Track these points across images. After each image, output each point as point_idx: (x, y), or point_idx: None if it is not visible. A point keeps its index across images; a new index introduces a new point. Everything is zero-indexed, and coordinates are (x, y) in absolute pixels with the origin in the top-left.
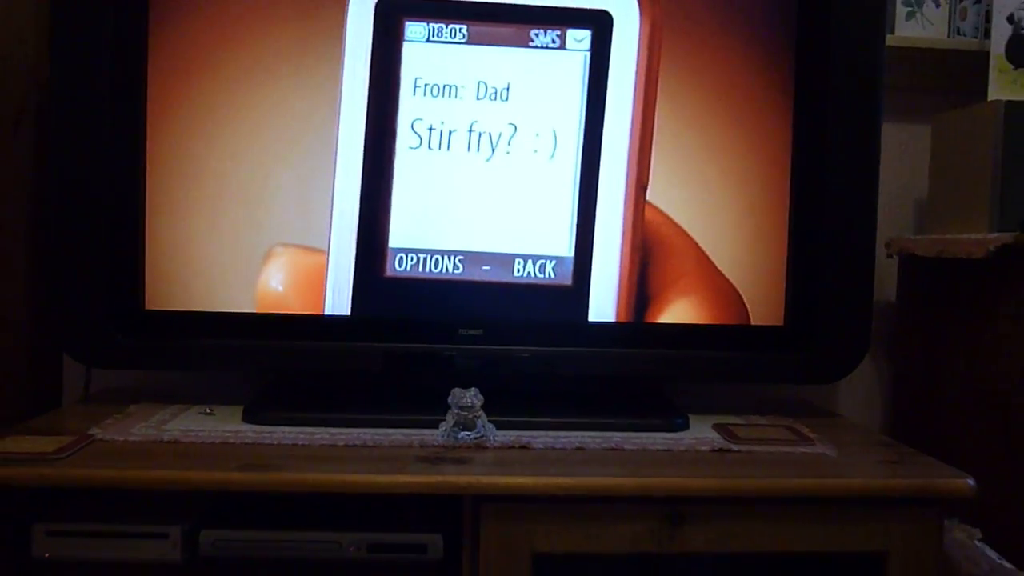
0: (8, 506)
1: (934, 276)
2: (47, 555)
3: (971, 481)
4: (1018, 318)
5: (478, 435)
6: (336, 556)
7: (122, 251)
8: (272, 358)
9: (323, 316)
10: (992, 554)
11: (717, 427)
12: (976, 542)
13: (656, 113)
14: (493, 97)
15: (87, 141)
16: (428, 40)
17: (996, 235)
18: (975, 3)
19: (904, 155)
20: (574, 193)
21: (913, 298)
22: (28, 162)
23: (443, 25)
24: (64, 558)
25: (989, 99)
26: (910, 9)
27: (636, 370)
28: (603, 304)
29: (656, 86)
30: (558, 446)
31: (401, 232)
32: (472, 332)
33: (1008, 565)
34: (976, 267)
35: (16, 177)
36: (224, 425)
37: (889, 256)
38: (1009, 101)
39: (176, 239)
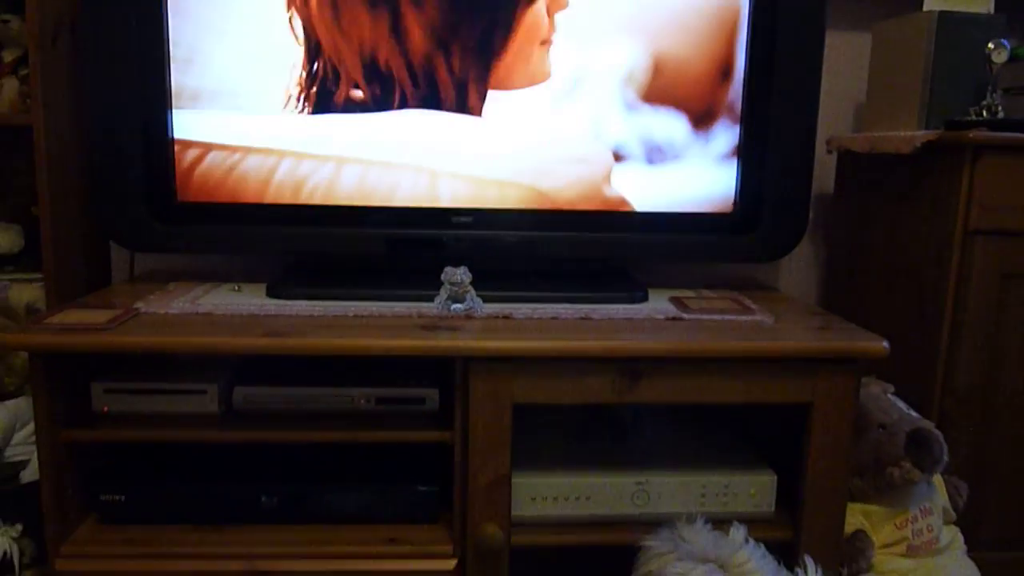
0: (71, 368)
1: (867, 170)
2: (105, 409)
3: (885, 344)
4: (936, 204)
5: (468, 307)
6: (349, 408)
7: (154, 151)
8: (287, 243)
9: (332, 206)
10: (902, 405)
11: (672, 299)
12: (889, 395)
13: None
14: None
15: (116, 52)
16: None
17: (923, 132)
18: None
19: (846, 61)
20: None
21: (848, 189)
22: (67, 72)
23: None
24: (119, 412)
25: (924, 9)
26: None
27: (604, 252)
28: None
29: None
30: (536, 316)
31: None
32: (463, 219)
33: (914, 414)
34: (904, 161)
35: (57, 85)
36: (251, 300)
37: (829, 152)
38: (942, 12)
39: (201, 139)
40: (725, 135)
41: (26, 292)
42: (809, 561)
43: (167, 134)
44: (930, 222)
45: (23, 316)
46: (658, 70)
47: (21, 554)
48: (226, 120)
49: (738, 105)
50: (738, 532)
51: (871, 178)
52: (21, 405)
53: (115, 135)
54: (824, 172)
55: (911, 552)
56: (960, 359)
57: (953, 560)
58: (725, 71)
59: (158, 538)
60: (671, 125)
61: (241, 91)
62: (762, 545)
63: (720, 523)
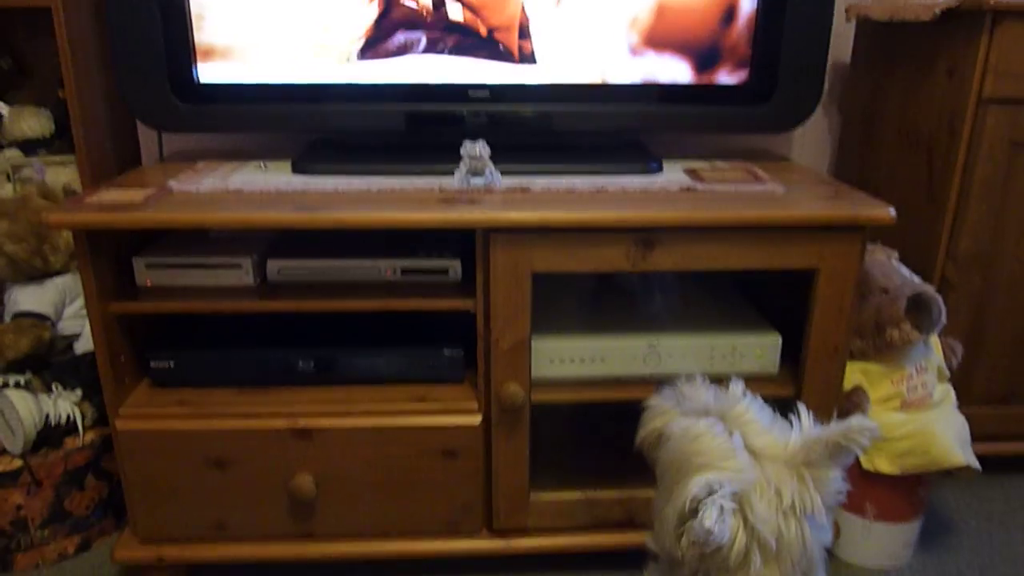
0: (112, 244)
1: (885, 38)
2: (148, 283)
3: (891, 211)
4: (951, 73)
5: (487, 181)
6: (376, 279)
7: (175, 30)
8: (309, 121)
9: (352, 84)
10: (905, 271)
11: (687, 171)
12: (893, 261)
13: None
14: None
15: None
16: None
17: None
18: None
19: None
20: None
21: (865, 58)
22: None
23: None
24: (162, 286)
25: None
26: None
27: (620, 124)
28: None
29: None
30: (553, 188)
31: None
32: (480, 93)
33: (916, 279)
34: (922, 29)
35: None
36: (277, 177)
37: (848, 20)
38: None
39: (220, 21)
40: (742, 3)
41: (62, 174)
42: (802, 407)
43: (186, 12)
44: (945, 90)
45: (62, 197)
46: None
47: (83, 416)
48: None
49: None
50: (737, 386)
51: (888, 47)
52: (68, 282)
53: (135, 13)
54: (840, 43)
55: (905, 407)
56: (965, 226)
57: (944, 414)
58: None
59: (207, 399)
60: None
61: None
62: (759, 397)
63: (723, 382)
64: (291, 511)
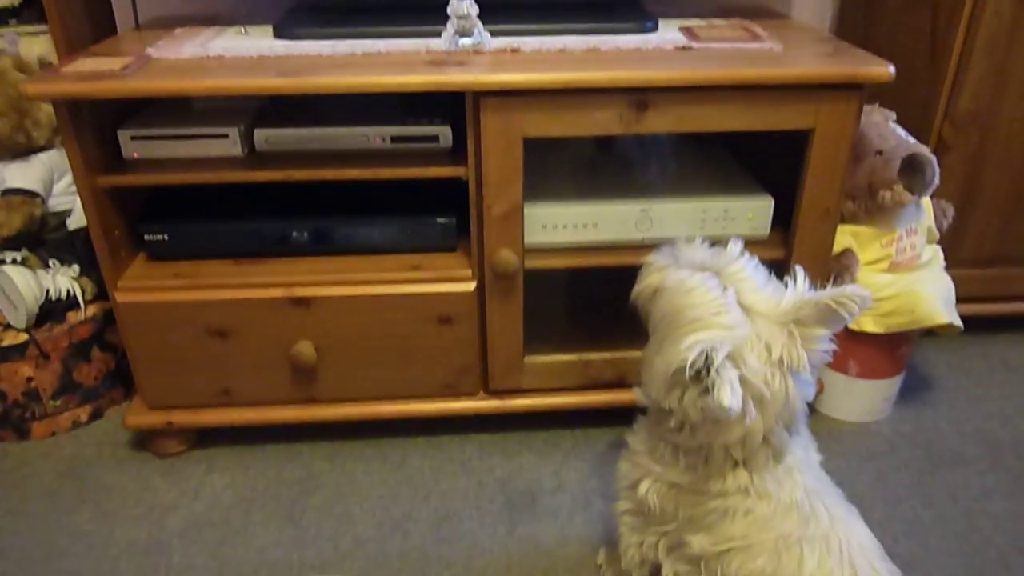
0: (95, 116)
1: None
2: (135, 155)
3: (891, 68)
4: None
5: (475, 41)
6: (365, 147)
7: None
8: None
9: None
10: (901, 132)
11: (682, 29)
12: (890, 122)
13: None
14: None
15: None
16: None
17: None
18: None
19: None
20: None
21: None
22: None
23: None
24: (149, 158)
25: None
26: None
27: None
28: None
29: None
30: (544, 48)
31: None
32: None
33: (912, 140)
34: None
35: None
36: (259, 42)
37: None
38: None
39: None
40: None
41: (36, 45)
42: (799, 270)
43: None
44: None
45: (38, 69)
46: None
47: (83, 291)
48: None
49: None
50: (735, 245)
51: None
52: (55, 157)
53: None
54: None
55: (893, 268)
56: (966, 85)
57: (930, 274)
58: None
59: (203, 271)
60: None
61: None
62: (756, 257)
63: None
64: (293, 377)
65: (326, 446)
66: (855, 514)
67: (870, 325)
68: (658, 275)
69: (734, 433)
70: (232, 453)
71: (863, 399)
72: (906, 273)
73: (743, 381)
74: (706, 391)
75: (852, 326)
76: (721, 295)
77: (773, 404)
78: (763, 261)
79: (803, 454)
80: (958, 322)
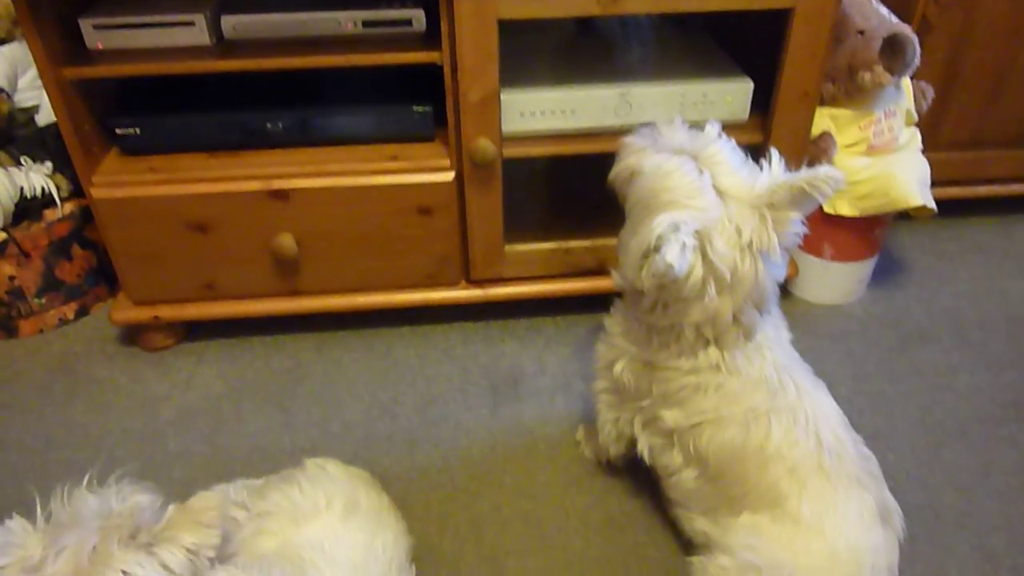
0: (55, 4)
1: None
2: (99, 46)
3: None
4: None
5: None
6: (337, 32)
7: None
8: None
9: None
10: (884, 11)
11: None
12: (873, 2)
13: None
14: None
15: None
16: None
17: None
18: None
19: None
20: None
21: None
22: None
23: None
24: (115, 48)
25: None
26: None
27: None
28: None
29: None
30: None
31: None
32: None
33: (894, 19)
34: None
35: None
36: None
37: None
38: None
39: None
40: None
41: None
42: (774, 152)
43: None
44: None
45: None
46: None
47: (58, 188)
48: None
49: None
50: (712, 128)
51: None
52: (16, 51)
53: None
54: None
55: (870, 151)
56: None
57: (907, 156)
58: None
59: (179, 165)
60: None
61: None
62: (732, 140)
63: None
64: (276, 269)
65: (312, 337)
66: (822, 388)
67: (845, 208)
68: (636, 157)
69: (702, 312)
70: (220, 346)
71: (837, 281)
72: (883, 156)
73: (707, 262)
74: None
75: (827, 209)
76: (697, 179)
77: (742, 285)
78: (741, 145)
79: (773, 332)
80: (932, 204)
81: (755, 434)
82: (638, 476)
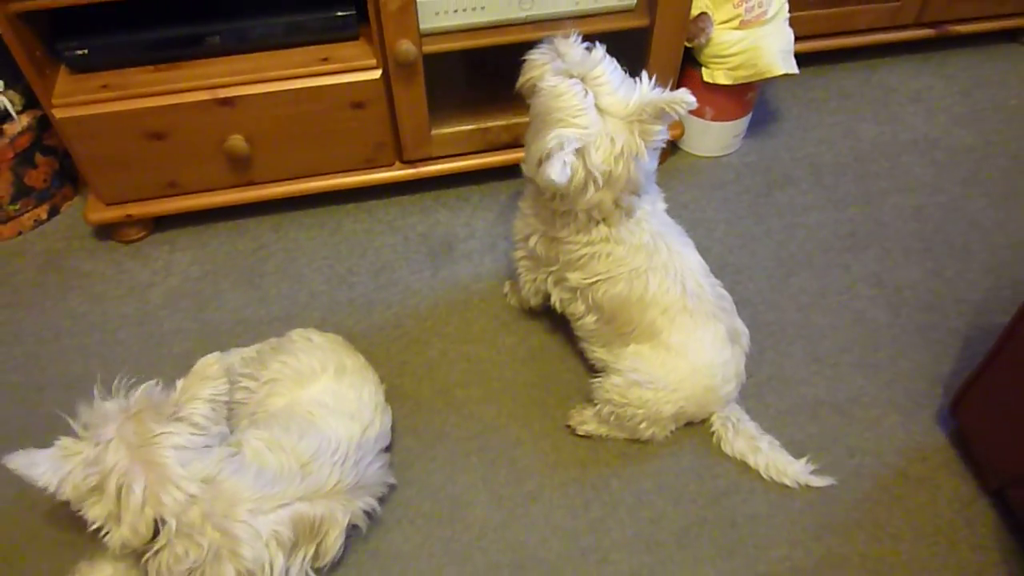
0: None
1: None
2: None
3: None
4: None
5: None
6: None
7: None
8: None
9: None
10: None
11: None
12: None
13: None
14: None
15: None
16: None
17: None
18: None
19: None
20: None
21: None
22: None
23: None
24: None
25: None
26: None
27: None
28: None
29: None
30: None
31: None
32: None
33: None
34: None
35: None
36: None
37: None
38: None
39: None
40: None
41: None
42: (645, 75)
43: None
44: None
45: None
46: None
47: (12, 104)
48: None
49: None
50: (599, 50)
51: None
52: None
53: None
54: None
55: (742, 25)
56: None
57: (774, 29)
58: None
59: (129, 81)
60: None
61: None
62: (615, 61)
63: (593, 39)
64: (230, 165)
65: (270, 219)
66: (690, 246)
67: (721, 78)
68: (537, 71)
69: (587, 202)
70: (188, 234)
71: (716, 137)
72: (754, 29)
73: (585, 169)
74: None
75: (707, 79)
76: (582, 100)
77: (619, 182)
78: (630, 31)
79: (650, 207)
80: (794, 70)
81: (637, 287)
82: (553, 319)
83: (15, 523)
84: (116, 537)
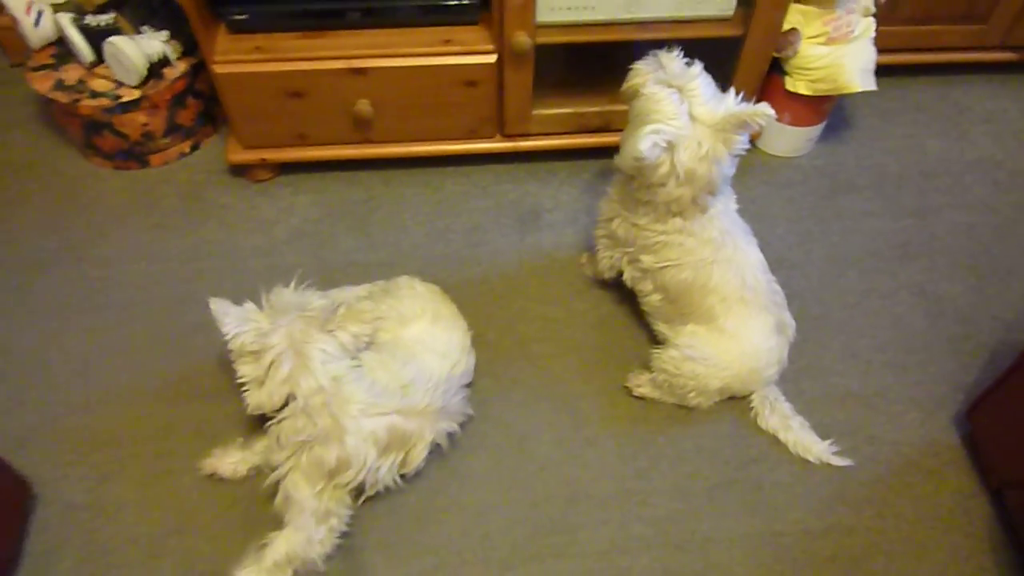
0: None
1: None
2: None
3: None
4: None
5: None
6: None
7: None
8: None
9: None
10: None
11: None
12: None
13: None
14: None
15: None
16: None
17: None
18: None
19: None
20: None
21: None
22: None
23: None
24: None
25: None
26: None
27: None
28: None
29: None
30: None
31: None
32: None
33: None
34: None
35: None
36: None
37: None
38: None
39: None
40: None
41: None
42: (732, 91)
43: None
44: None
45: None
46: None
47: (173, 52)
48: None
49: None
50: (697, 66)
51: None
52: None
53: None
54: None
55: (829, 42)
56: None
57: (857, 47)
58: None
59: (278, 46)
60: None
61: None
62: (709, 76)
63: (690, 44)
64: (354, 125)
65: (381, 174)
66: (753, 244)
67: (802, 88)
68: (640, 79)
69: (668, 195)
70: (310, 180)
71: (791, 140)
72: (839, 46)
73: (671, 164)
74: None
75: (789, 87)
76: (678, 108)
77: (699, 181)
78: (726, 39)
79: (723, 206)
80: (871, 87)
81: (701, 275)
82: (621, 292)
83: (160, 414)
84: (254, 397)
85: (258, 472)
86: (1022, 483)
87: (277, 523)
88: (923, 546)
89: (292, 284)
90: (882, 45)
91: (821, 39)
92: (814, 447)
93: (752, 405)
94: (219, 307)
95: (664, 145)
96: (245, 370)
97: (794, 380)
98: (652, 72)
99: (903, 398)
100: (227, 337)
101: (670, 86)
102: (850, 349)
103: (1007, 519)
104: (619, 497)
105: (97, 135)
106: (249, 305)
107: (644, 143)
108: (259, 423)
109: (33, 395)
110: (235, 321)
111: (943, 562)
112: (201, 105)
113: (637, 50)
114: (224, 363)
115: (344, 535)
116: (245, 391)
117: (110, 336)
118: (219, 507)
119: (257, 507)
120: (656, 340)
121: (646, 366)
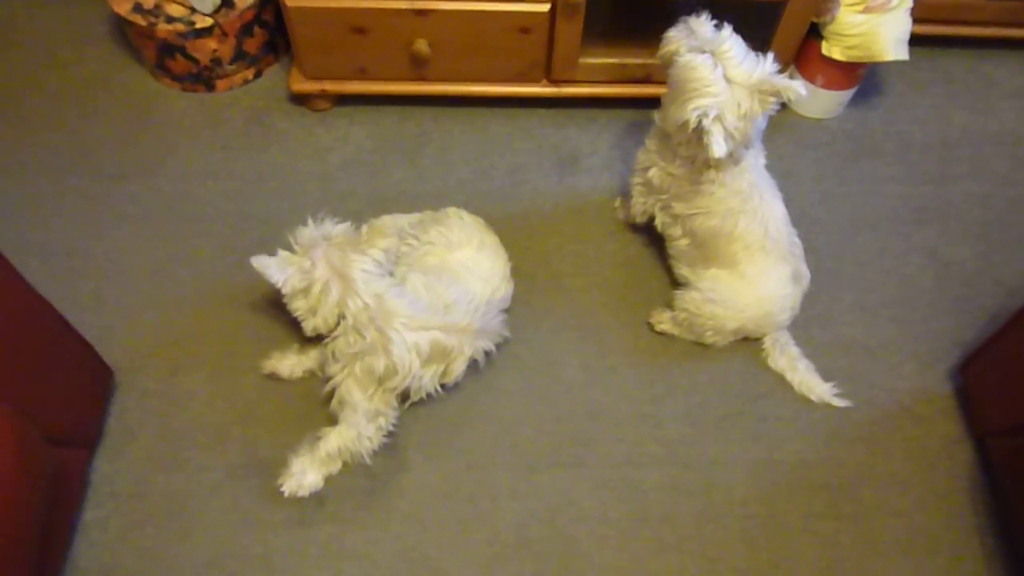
0: None
1: None
2: None
3: None
4: None
5: None
6: None
7: None
8: None
9: None
10: None
11: None
12: None
13: None
14: None
15: None
16: None
17: None
18: None
19: None
20: None
21: None
22: None
23: None
24: None
25: None
26: None
27: None
28: None
29: None
30: None
31: None
32: None
33: None
34: None
35: None
36: None
37: None
38: None
39: None
40: None
41: None
42: (771, 54)
43: None
44: None
45: None
46: None
47: None
48: None
49: None
50: (727, 28)
51: None
52: None
53: None
54: None
55: (866, 10)
56: None
57: (894, 17)
58: None
59: None
60: None
61: None
62: (739, 37)
63: (733, 5)
64: (411, 63)
65: (432, 110)
66: (778, 198)
67: (837, 54)
68: (674, 45)
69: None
70: (365, 112)
71: (822, 102)
72: (876, 15)
73: (726, 131)
74: (701, 140)
75: (824, 51)
76: (713, 72)
77: (738, 137)
78: (768, 2)
79: (753, 160)
80: (904, 58)
81: (728, 223)
82: (650, 235)
83: (227, 318)
84: (310, 324)
85: (311, 375)
86: (1004, 432)
87: (328, 420)
88: (907, 482)
89: (309, 220)
90: (917, 15)
91: (859, 7)
92: (817, 388)
93: (764, 346)
94: (260, 262)
95: (724, 130)
96: (298, 304)
97: (804, 327)
98: (684, 39)
99: (903, 350)
100: (278, 285)
101: (703, 51)
102: (859, 302)
103: (987, 464)
104: (635, 419)
105: (170, 58)
106: (282, 252)
107: (718, 146)
108: (315, 339)
109: (112, 294)
110: (278, 270)
111: (924, 496)
112: (266, 35)
113: (683, 6)
114: None
115: (389, 435)
116: (302, 320)
117: (181, 245)
118: (277, 403)
119: (310, 405)
120: (679, 282)
121: (668, 305)
